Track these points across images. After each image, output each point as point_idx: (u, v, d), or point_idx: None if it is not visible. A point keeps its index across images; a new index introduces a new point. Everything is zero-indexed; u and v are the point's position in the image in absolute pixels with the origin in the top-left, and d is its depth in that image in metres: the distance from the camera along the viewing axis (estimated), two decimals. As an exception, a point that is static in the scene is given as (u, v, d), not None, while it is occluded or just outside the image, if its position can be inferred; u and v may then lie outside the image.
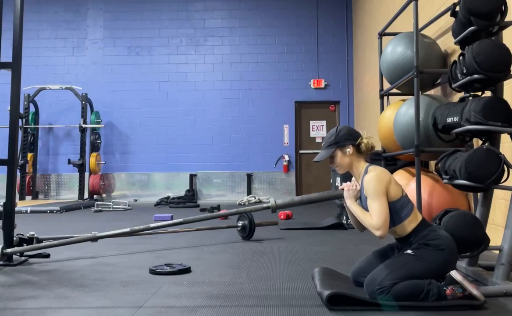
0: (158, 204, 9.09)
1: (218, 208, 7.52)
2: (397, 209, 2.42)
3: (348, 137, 2.56)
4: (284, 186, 10.29)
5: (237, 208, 2.98)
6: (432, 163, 5.08)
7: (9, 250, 3.37)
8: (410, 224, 2.43)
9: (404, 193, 2.48)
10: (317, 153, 2.80)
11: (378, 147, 5.42)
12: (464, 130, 2.86)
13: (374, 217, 2.38)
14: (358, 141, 2.56)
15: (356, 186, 2.56)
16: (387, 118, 4.94)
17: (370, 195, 2.41)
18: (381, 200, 2.38)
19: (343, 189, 2.59)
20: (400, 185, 2.51)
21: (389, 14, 6.66)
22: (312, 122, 10.45)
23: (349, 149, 2.55)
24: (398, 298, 2.25)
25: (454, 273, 2.31)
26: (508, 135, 2.79)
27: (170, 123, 10.36)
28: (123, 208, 8.19)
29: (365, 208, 2.48)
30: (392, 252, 2.57)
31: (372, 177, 2.42)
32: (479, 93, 2.96)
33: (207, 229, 4.89)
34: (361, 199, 2.54)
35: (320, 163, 2.75)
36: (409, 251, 2.39)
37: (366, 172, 2.49)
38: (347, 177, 3.33)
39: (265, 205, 2.82)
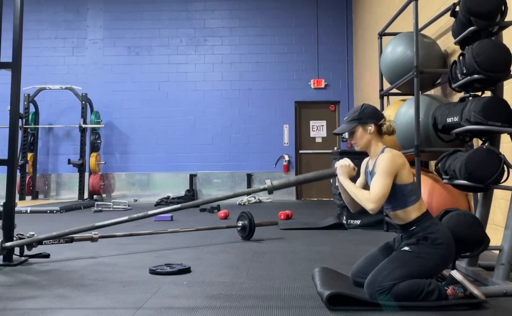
0: (158, 204, 9.09)
1: (218, 208, 7.51)
2: (405, 193, 2.43)
3: (371, 116, 2.57)
4: (284, 186, 10.26)
5: (235, 194, 3.06)
6: (432, 163, 5.08)
7: (8, 244, 3.34)
8: (414, 211, 2.43)
9: (415, 182, 2.50)
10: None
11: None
12: (464, 130, 2.86)
13: (372, 190, 2.40)
14: (381, 122, 2.58)
15: (350, 164, 2.58)
16: (387, 118, 4.94)
17: (379, 171, 2.42)
18: (386, 179, 2.39)
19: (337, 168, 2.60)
20: (412, 173, 2.50)
21: (389, 14, 6.65)
22: (312, 122, 10.44)
23: (371, 128, 2.55)
24: (398, 298, 2.25)
25: (454, 273, 2.31)
26: (508, 135, 2.79)
27: (170, 123, 10.36)
28: (123, 208, 8.19)
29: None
30: (389, 250, 2.57)
31: (388, 157, 2.43)
32: (479, 93, 2.96)
33: (207, 229, 4.89)
34: (371, 175, 2.54)
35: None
36: (406, 248, 2.39)
37: (382, 152, 2.51)
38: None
39: (261, 187, 2.85)
